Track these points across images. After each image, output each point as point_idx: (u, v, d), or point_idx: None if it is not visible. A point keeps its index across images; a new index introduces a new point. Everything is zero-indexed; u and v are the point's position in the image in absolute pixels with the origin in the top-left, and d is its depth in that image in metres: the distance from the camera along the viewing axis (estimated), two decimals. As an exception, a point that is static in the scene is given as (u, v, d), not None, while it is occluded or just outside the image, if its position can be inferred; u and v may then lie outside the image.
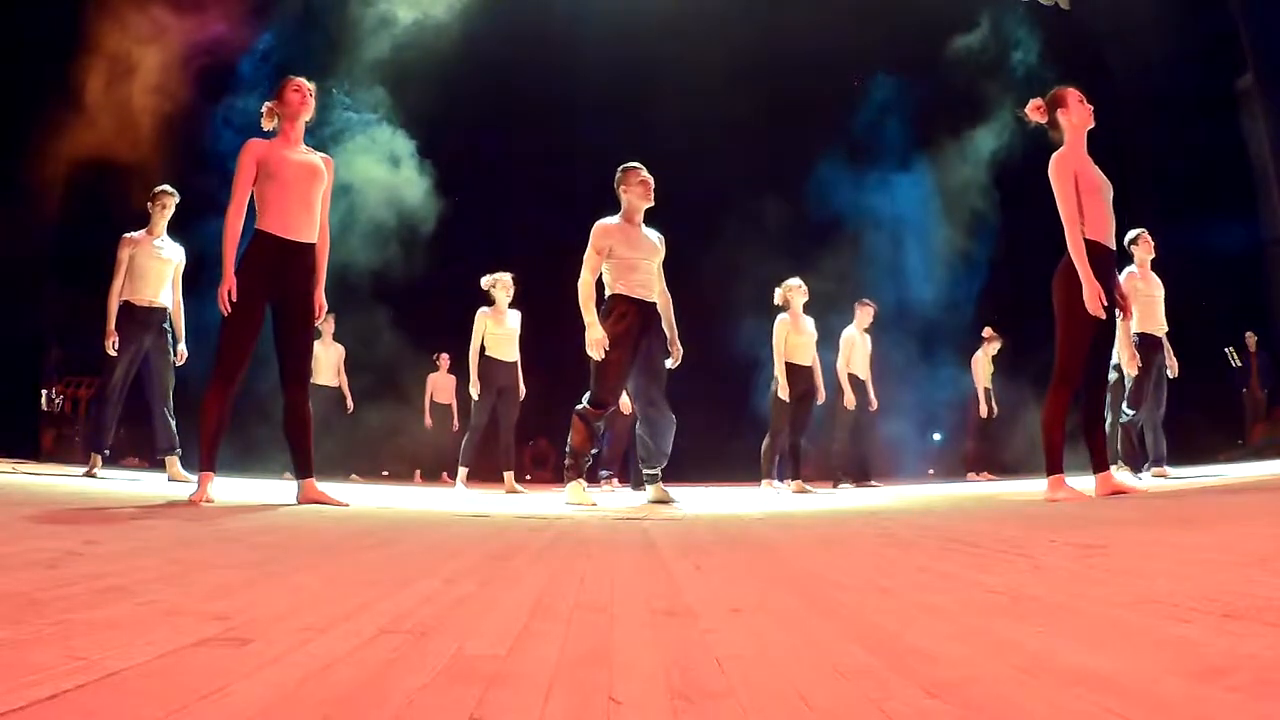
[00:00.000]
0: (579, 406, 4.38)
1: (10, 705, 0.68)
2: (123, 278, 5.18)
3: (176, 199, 5.36)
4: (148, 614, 1.07)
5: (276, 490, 4.40)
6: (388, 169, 9.30)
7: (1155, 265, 5.70)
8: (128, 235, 5.26)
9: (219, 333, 3.42)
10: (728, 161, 9.47)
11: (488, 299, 6.45)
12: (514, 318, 6.45)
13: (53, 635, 0.92)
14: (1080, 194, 3.62)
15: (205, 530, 2.31)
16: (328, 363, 7.86)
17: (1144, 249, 5.71)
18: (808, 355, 6.46)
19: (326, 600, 1.25)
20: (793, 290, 6.41)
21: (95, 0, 7.84)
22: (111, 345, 5.14)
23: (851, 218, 9.86)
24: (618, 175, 4.52)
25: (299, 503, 3.45)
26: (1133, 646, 0.89)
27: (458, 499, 4.99)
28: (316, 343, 7.54)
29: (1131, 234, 5.67)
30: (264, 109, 3.63)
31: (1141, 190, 8.88)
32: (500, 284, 6.39)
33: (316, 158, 3.64)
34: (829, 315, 7.21)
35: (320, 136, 8.95)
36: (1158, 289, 5.67)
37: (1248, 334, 9.56)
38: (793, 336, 6.34)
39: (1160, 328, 5.66)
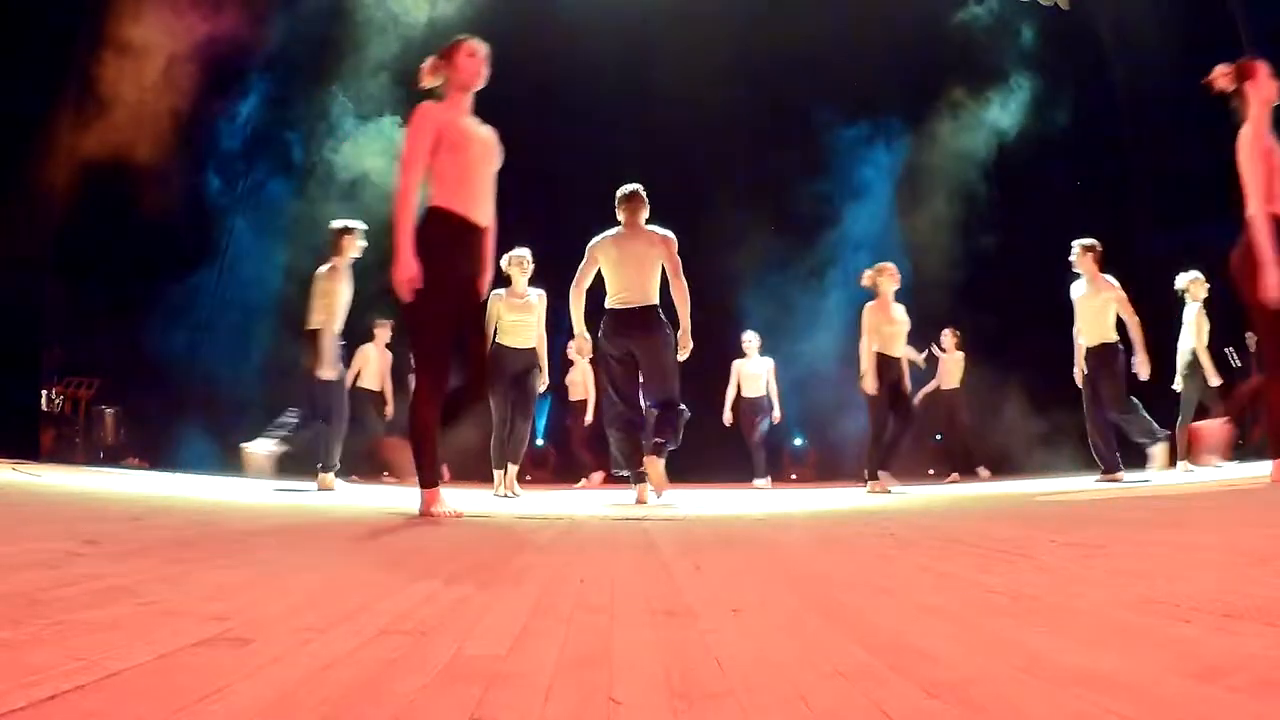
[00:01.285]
0: (682, 407, 4.51)
1: (10, 705, 0.68)
2: (340, 309, 5.34)
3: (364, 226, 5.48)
4: (148, 614, 1.07)
5: (276, 490, 4.40)
6: (393, 165, 9.28)
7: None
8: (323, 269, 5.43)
9: (413, 332, 2.99)
10: (728, 155, 9.45)
11: (503, 279, 5.61)
12: (533, 297, 5.67)
13: (53, 636, 0.92)
14: (1271, 173, 3.44)
15: (205, 530, 2.31)
16: (376, 367, 7.68)
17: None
18: (898, 346, 5.74)
19: (326, 600, 1.25)
20: (883, 274, 5.71)
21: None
22: (329, 371, 5.23)
23: (850, 198, 9.79)
24: (628, 197, 4.63)
25: (420, 515, 3.00)
26: (1133, 646, 0.89)
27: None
28: (370, 346, 7.44)
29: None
30: (428, 63, 3.09)
31: (1141, 190, 8.87)
32: (514, 261, 5.56)
33: (489, 133, 3.14)
34: (825, 296, 7.05)
35: (321, 133, 8.97)
36: None
37: (1248, 334, 9.54)
38: (884, 326, 5.66)
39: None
